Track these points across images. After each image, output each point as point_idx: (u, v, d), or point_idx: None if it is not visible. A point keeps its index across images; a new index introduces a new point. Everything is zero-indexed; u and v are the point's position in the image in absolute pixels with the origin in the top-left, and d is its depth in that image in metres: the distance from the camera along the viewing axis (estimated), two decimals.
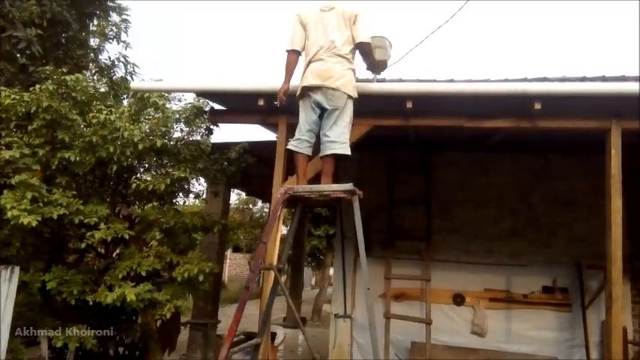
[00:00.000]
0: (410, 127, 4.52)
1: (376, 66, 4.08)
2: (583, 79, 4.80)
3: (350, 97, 3.53)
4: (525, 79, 4.93)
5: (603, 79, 4.86)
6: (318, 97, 3.51)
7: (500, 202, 5.95)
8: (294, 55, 3.75)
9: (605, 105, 3.96)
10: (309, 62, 3.61)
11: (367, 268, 3.34)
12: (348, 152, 3.51)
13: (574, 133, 4.29)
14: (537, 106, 3.90)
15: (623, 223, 4.13)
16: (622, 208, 4.02)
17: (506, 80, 4.74)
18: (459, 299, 5.93)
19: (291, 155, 3.79)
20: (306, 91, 3.57)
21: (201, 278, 4.39)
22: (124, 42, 6.77)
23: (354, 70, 3.66)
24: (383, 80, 4.82)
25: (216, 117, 4.81)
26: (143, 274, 4.30)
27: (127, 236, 4.39)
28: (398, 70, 9.28)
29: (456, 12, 4.57)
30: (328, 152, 3.48)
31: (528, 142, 5.46)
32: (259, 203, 16.66)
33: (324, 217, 12.49)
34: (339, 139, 3.46)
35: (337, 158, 3.56)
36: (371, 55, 3.84)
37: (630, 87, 3.86)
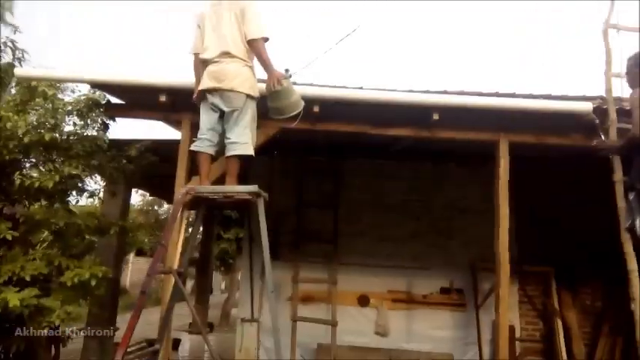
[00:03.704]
0: (318, 132, 4.55)
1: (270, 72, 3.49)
2: (480, 94, 5.14)
3: (249, 96, 3.45)
4: (428, 92, 5.17)
5: (497, 94, 5.24)
6: (215, 99, 3.43)
7: (404, 207, 6.20)
8: (196, 58, 3.62)
9: (496, 119, 4.27)
10: (207, 64, 3.50)
11: (274, 271, 3.29)
12: (250, 152, 3.44)
13: (467, 144, 4.57)
14: (435, 116, 4.13)
15: (511, 229, 4.47)
16: (509, 215, 4.33)
17: (410, 91, 4.93)
18: (363, 301, 6.09)
19: (195, 157, 3.66)
20: (205, 93, 3.48)
21: (93, 283, 4.11)
22: (13, 25, 6.22)
23: (251, 68, 3.53)
24: (294, 83, 4.79)
25: (113, 111, 4.53)
26: (27, 278, 3.91)
27: (9, 237, 3.99)
28: (314, 75, 9.32)
29: (355, 28, 4.46)
30: (230, 153, 3.41)
31: (428, 150, 5.74)
32: (166, 205, 15.96)
33: (235, 220, 12.20)
34: (240, 139, 3.39)
35: (242, 159, 3.49)
36: (262, 53, 3.41)
37: (517, 103, 4.23)
